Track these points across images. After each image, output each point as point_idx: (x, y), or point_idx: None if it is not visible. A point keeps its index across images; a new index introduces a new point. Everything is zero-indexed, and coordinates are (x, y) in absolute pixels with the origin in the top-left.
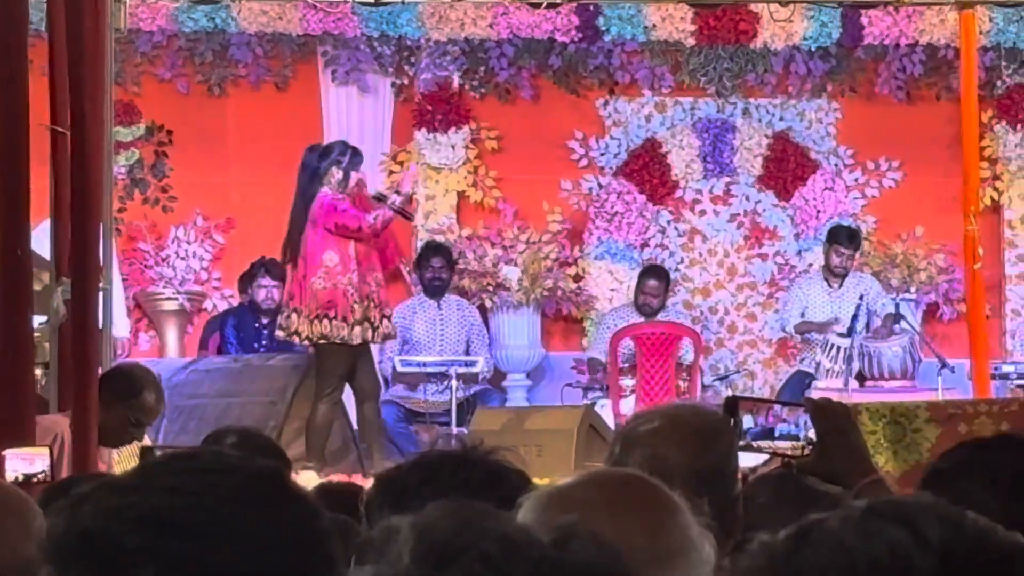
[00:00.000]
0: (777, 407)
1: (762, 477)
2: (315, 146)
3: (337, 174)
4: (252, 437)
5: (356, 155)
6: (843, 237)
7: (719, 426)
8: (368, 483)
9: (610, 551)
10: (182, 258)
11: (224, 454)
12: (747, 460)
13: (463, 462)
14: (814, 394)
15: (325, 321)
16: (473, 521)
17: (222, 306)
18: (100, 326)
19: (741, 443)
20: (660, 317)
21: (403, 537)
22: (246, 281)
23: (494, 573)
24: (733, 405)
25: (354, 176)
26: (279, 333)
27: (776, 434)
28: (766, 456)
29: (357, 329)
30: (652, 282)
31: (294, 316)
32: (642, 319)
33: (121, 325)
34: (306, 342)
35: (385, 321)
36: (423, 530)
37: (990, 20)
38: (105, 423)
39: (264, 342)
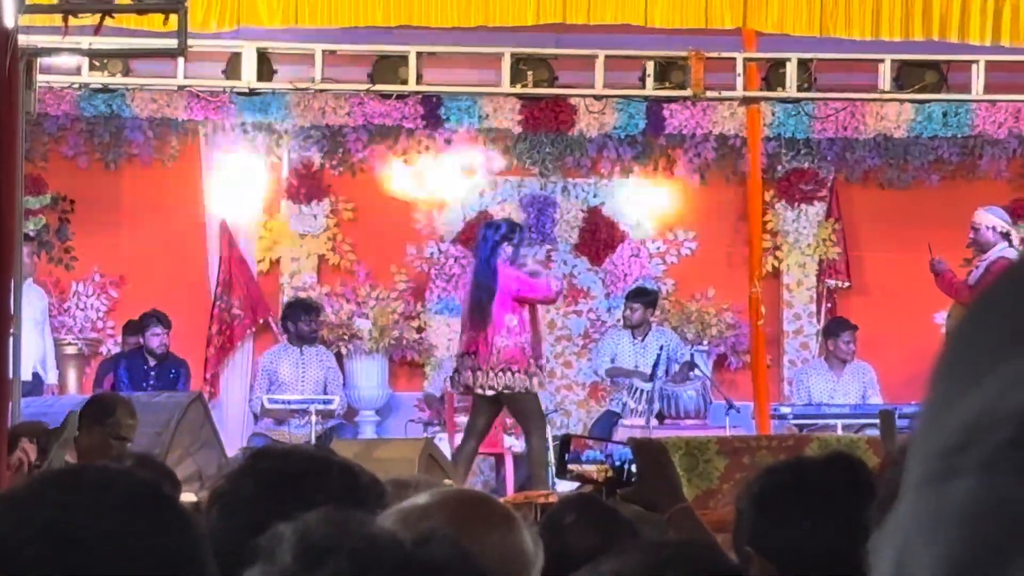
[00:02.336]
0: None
1: (567, 499)
2: (491, 223)
3: (508, 249)
4: (147, 460)
5: (523, 232)
6: (632, 295)
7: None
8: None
9: (464, 552)
10: (81, 309)
11: (109, 468)
12: (566, 486)
13: (326, 467)
14: (620, 431)
15: (509, 374)
16: (345, 525)
17: (115, 350)
18: (11, 372)
19: (561, 470)
20: None
21: (286, 540)
22: (133, 329)
23: (361, 568)
24: (567, 442)
25: (522, 252)
26: (459, 389)
27: (583, 459)
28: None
29: (535, 379)
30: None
31: (478, 372)
32: None
33: (51, 374)
34: (490, 391)
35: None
36: (302, 533)
37: (772, 114)
38: (89, 445)
39: (152, 382)
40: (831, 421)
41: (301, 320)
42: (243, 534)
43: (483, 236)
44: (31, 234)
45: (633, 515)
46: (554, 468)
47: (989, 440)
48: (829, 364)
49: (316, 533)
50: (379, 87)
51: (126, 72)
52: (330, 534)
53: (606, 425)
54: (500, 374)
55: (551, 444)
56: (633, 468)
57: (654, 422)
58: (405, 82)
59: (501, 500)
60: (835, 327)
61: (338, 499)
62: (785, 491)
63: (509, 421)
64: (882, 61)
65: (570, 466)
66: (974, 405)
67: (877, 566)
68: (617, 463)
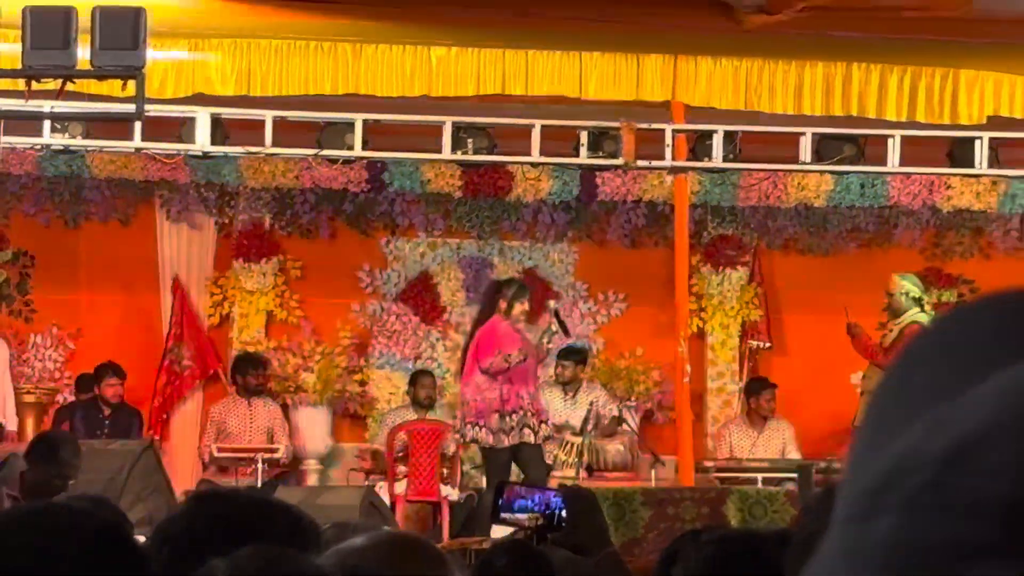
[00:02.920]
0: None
1: (499, 544)
2: (497, 282)
3: (503, 304)
4: (101, 503)
5: (521, 289)
6: (563, 353)
7: None
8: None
9: None
10: (40, 360)
11: (71, 508)
12: (499, 532)
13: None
14: (552, 482)
15: (476, 428)
16: (276, 560)
17: (71, 399)
18: None
19: (495, 516)
20: (429, 416)
21: (220, 573)
22: (88, 381)
23: None
24: (501, 489)
25: (517, 307)
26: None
27: (516, 507)
28: (513, 528)
29: (500, 435)
30: (427, 380)
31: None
32: (415, 416)
33: (11, 421)
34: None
35: (542, 426)
36: (235, 567)
37: (699, 183)
38: (34, 481)
39: (106, 430)
40: (752, 475)
41: (249, 373)
42: (188, 572)
43: (484, 291)
44: None
45: (563, 559)
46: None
47: (911, 481)
48: (750, 420)
49: (248, 568)
50: (326, 152)
51: (86, 135)
52: (261, 569)
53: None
54: (469, 428)
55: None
56: (564, 514)
57: (584, 474)
58: (351, 148)
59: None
60: (756, 386)
61: (279, 540)
62: (739, 560)
63: (445, 471)
64: (803, 134)
65: (503, 514)
66: (899, 449)
67: None
68: (548, 510)
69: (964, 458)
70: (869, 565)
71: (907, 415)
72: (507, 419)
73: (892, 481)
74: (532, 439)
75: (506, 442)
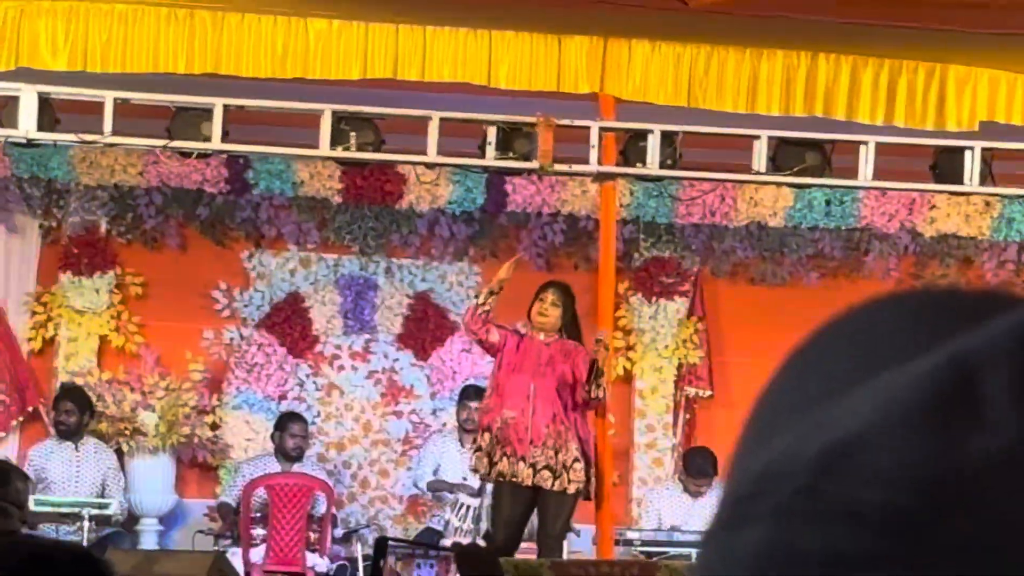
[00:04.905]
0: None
1: None
2: None
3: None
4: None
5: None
6: (470, 391)
7: None
8: None
9: None
10: None
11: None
12: None
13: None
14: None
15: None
16: None
17: None
18: None
19: None
20: (296, 468)
21: None
22: None
23: None
24: (383, 546)
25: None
26: None
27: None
28: None
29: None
30: (296, 426)
31: None
32: (279, 468)
33: None
34: None
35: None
36: None
37: (631, 194)
38: None
39: None
40: (684, 550)
41: (68, 410)
42: None
43: None
44: None
45: None
46: None
47: (781, 488)
48: (685, 485)
49: None
50: (177, 144)
51: None
52: None
53: None
54: None
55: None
56: None
57: (481, 543)
58: (208, 139)
59: None
60: (695, 462)
61: None
62: None
63: (313, 536)
64: (758, 138)
65: None
66: (772, 453)
67: None
68: None
69: (839, 462)
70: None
71: (793, 417)
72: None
73: (763, 486)
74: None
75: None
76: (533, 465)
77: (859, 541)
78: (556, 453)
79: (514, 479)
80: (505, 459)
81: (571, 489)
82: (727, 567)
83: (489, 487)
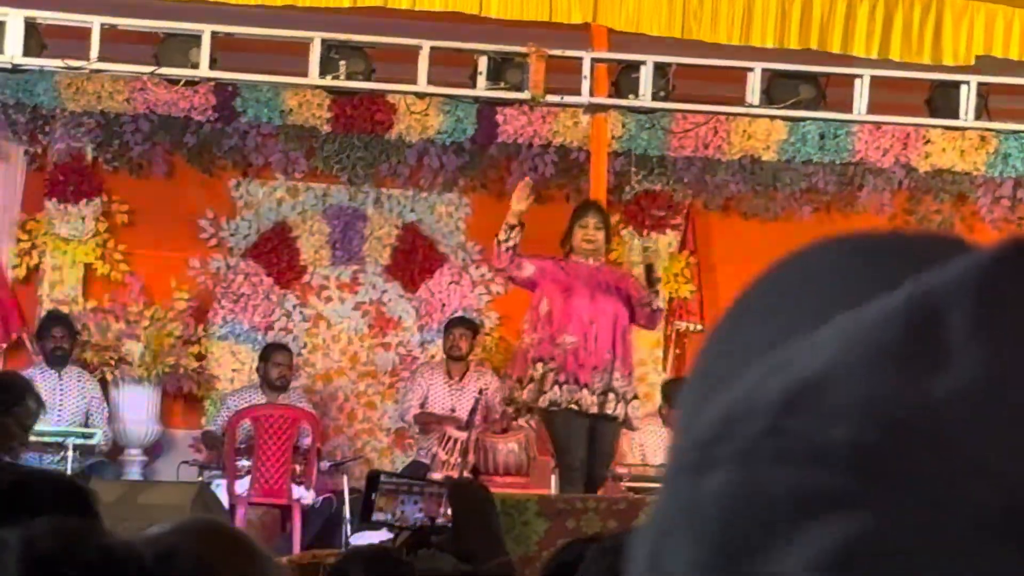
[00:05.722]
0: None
1: (356, 552)
2: None
3: None
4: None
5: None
6: (457, 321)
7: None
8: None
9: (210, 568)
10: None
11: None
12: (372, 536)
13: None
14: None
15: None
16: (78, 535)
17: None
18: None
19: (366, 514)
20: (282, 399)
21: (11, 548)
22: None
23: None
24: (375, 478)
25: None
26: None
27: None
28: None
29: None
30: (280, 356)
31: None
32: (264, 399)
33: None
34: None
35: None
36: (30, 541)
37: (623, 126)
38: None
39: None
40: None
41: (51, 336)
42: None
43: None
44: None
45: (448, 569)
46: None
47: (745, 430)
48: (664, 419)
49: (45, 542)
50: (165, 71)
51: None
52: (61, 544)
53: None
54: None
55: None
56: (450, 513)
57: (468, 477)
58: (196, 66)
59: (286, 559)
60: (676, 390)
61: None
62: None
63: (299, 468)
64: (751, 70)
65: (376, 514)
66: (731, 396)
67: (633, 560)
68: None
69: (803, 401)
70: (704, 520)
71: (749, 359)
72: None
73: (726, 430)
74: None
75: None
76: (594, 391)
77: (825, 480)
78: (613, 378)
79: (572, 406)
80: (559, 387)
81: (622, 417)
82: (692, 509)
83: (477, 420)
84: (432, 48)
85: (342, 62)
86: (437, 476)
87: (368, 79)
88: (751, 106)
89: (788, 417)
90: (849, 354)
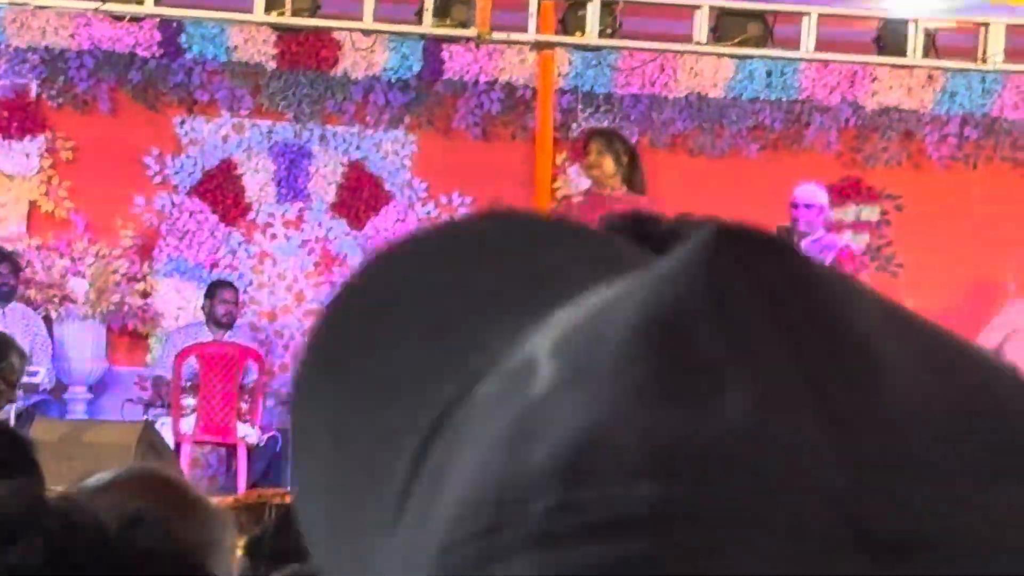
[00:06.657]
0: None
1: None
2: None
3: None
4: None
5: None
6: None
7: None
8: None
9: (175, 538)
10: None
11: None
12: None
13: None
14: None
15: None
16: (38, 501)
17: None
18: None
19: None
20: (227, 337)
21: None
22: None
23: (55, 551)
24: None
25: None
26: None
27: None
28: None
29: None
30: (226, 292)
31: None
32: (210, 337)
33: None
34: None
35: None
36: None
37: (569, 63)
38: None
39: None
40: None
41: (5, 273)
42: None
43: None
44: None
45: None
46: None
47: (530, 509)
48: None
49: (5, 508)
50: (110, 7)
51: None
52: (21, 510)
53: None
54: None
55: None
56: None
57: None
58: (141, 2)
59: (232, 498)
60: None
61: None
62: None
63: (244, 407)
64: (699, 8)
65: None
66: (475, 478)
67: None
68: None
69: (586, 465)
70: None
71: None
72: None
73: (502, 514)
74: None
75: None
76: None
77: (638, 545)
78: None
79: None
80: None
81: None
82: None
83: None
84: None
85: None
86: None
87: (314, 15)
88: (698, 44)
89: (577, 487)
90: (610, 396)
